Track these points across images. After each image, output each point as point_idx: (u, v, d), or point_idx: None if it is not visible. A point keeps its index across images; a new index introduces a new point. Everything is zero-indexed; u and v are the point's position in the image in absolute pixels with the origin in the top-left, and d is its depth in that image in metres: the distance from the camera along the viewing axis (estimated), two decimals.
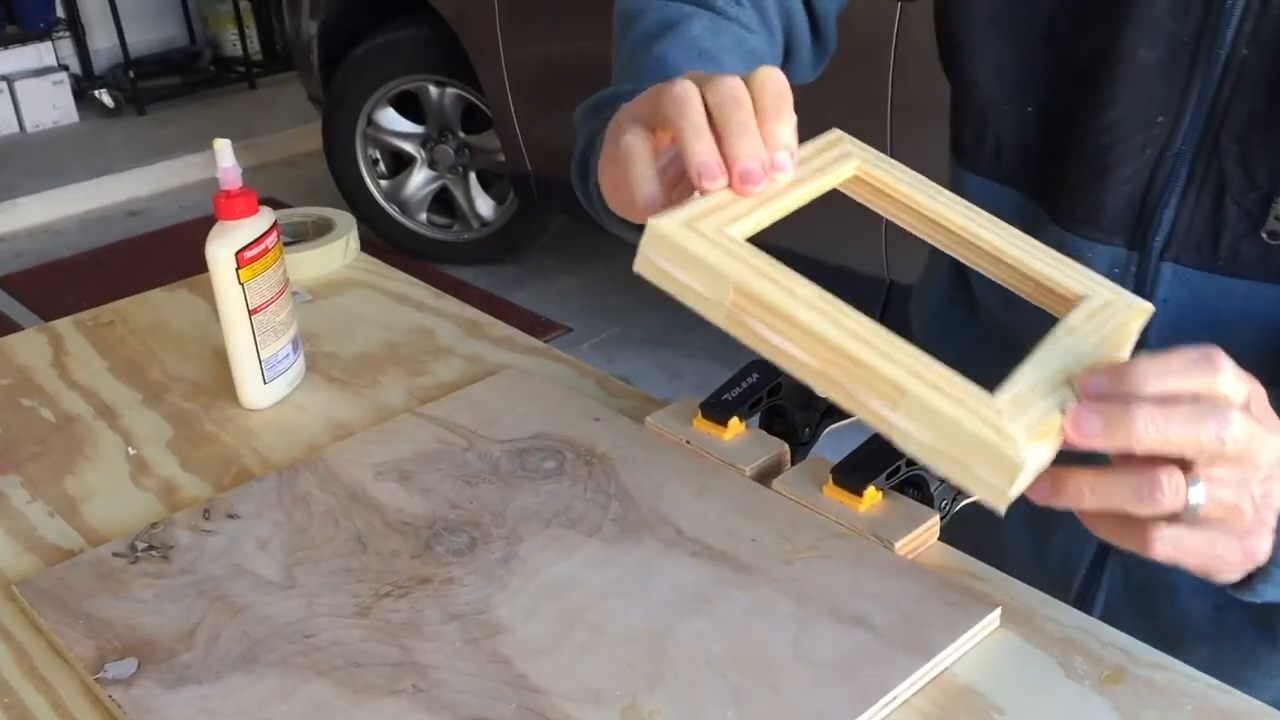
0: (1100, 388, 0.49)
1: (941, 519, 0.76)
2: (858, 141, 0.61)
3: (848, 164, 0.60)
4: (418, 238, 3.52)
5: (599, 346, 3.01)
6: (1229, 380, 0.49)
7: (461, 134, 3.38)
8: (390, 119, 3.42)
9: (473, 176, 3.41)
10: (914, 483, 0.77)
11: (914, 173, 0.61)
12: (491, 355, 0.96)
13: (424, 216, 3.51)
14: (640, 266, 0.53)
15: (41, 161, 4.25)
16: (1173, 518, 0.49)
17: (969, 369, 0.81)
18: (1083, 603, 0.80)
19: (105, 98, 4.69)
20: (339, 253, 1.11)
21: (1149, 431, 0.47)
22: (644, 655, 0.63)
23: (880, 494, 0.74)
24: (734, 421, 0.80)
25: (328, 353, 0.97)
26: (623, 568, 0.70)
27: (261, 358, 0.88)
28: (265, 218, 0.87)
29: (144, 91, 4.71)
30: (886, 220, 0.62)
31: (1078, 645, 0.64)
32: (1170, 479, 0.48)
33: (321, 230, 1.15)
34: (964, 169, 0.78)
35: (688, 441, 0.81)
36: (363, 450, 0.82)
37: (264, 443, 0.85)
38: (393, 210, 3.49)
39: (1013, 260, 0.58)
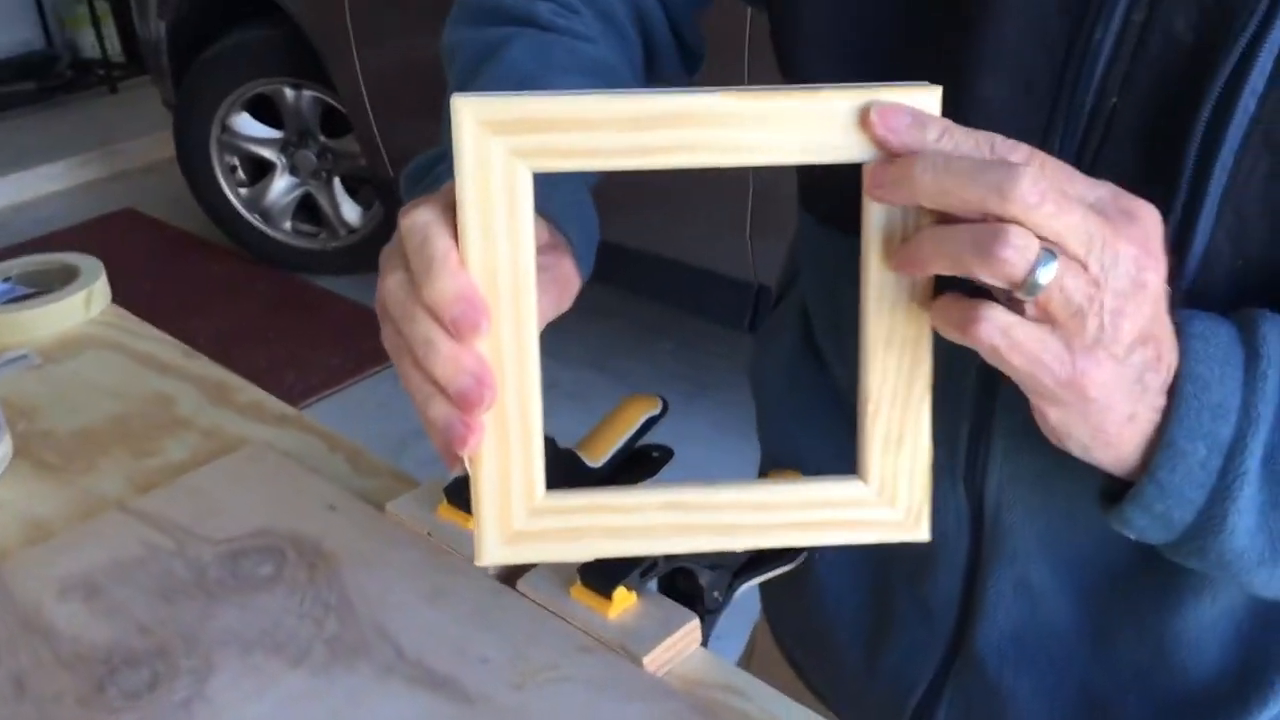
0: (898, 123, 0.43)
1: (710, 613, 0.67)
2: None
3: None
4: (283, 247, 3.37)
5: None
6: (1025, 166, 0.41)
7: (322, 138, 3.24)
8: (245, 124, 3.26)
9: (337, 182, 3.27)
10: (682, 573, 0.67)
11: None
12: (234, 427, 0.85)
13: (288, 225, 3.36)
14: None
15: None
16: (1009, 302, 0.43)
17: (814, 434, 0.72)
18: None
19: None
20: (79, 306, 0.99)
21: (925, 175, 0.42)
22: None
23: (634, 594, 0.64)
24: None
25: (44, 430, 0.85)
26: (326, 705, 0.59)
27: None
28: None
29: None
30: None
31: None
32: (1021, 235, 0.40)
33: (67, 278, 1.02)
34: (805, 211, 0.67)
35: (429, 533, 0.71)
36: (50, 559, 0.70)
37: None
38: (255, 220, 3.34)
39: None
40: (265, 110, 3.25)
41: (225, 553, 0.70)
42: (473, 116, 0.44)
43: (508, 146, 0.44)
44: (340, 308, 3.21)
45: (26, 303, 0.98)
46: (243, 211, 3.33)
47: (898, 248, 0.45)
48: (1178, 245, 0.49)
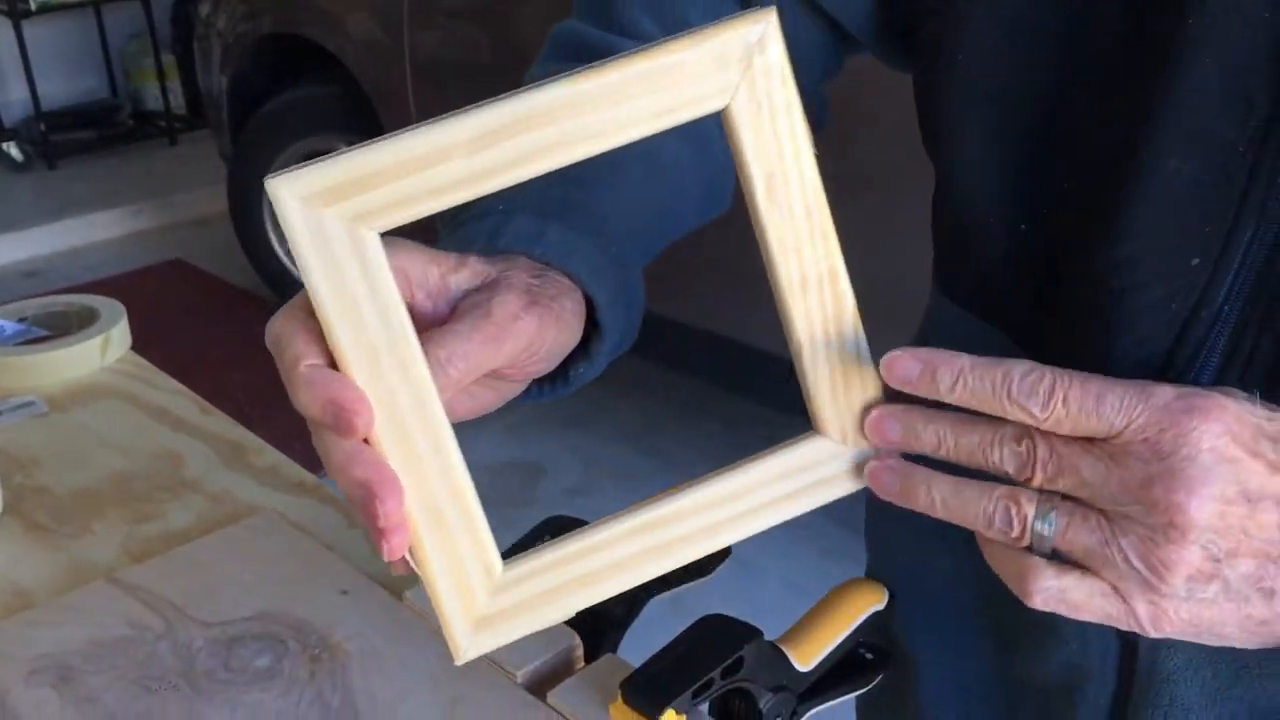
0: (908, 374, 0.42)
1: None
2: None
3: None
4: None
5: (510, 428, 2.81)
6: (1039, 405, 0.40)
7: None
8: None
9: None
10: (739, 694, 0.58)
11: None
12: (246, 493, 0.77)
13: None
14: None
15: None
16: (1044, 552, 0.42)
17: (928, 539, 0.62)
18: None
19: (13, 151, 4.47)
20: (94, 352, 0.92)
21: (944, 443, 0.42)
22: None
23: (683, 718, 0.55)
24: None
25: (40, 487, 0.78)
26: None
27: None
28: None
29: (56, 145, 4.49)
30: None
31: None
32: (1016, 505, 0.41)
33: (86, 322, 0.95)
34: (940, 293, 0.59)
35: None
36: (25, 635, 0.62)
37: None
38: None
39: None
40: None
41: (219, 638, 0.62)
42: (293, 194, 0.39)
43: (344, 215, 0.39)
44: None
45: (39, 345, 0.91)
46: (290, 268, 3.29)
47: (887, 477, 0.45)
48: None
